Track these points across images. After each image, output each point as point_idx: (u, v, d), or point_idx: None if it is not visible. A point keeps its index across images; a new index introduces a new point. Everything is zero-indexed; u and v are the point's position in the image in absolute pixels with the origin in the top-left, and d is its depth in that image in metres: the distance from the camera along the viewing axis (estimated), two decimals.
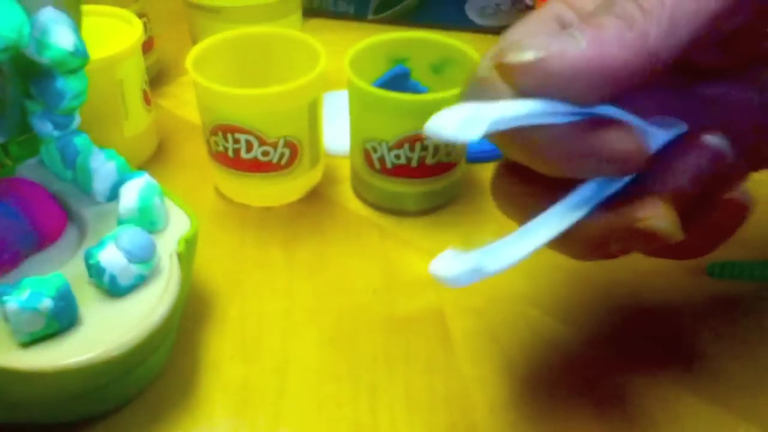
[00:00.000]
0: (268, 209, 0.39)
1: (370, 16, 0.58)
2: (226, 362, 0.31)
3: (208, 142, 0.38)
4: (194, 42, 0.44)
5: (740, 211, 0.24)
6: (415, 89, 0.40)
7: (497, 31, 0.56)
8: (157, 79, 0.49)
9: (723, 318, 0.33)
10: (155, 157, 0.43)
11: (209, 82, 0.35)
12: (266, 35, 0.39)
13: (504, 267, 0.20)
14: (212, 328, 0.32)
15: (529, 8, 0.55)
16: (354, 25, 0.57)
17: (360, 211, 0.39)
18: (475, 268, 0.20)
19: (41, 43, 0.27)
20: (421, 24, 0.57)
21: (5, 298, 0.25)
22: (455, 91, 0.34)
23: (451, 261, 0.20)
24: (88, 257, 0.27)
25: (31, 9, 0.27)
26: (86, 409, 0.28)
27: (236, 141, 0.36)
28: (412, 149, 0.36)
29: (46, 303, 0.25)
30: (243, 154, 0.37)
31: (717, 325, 0.32)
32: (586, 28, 0.20)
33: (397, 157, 0.36)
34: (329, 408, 0.29)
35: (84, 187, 0.32)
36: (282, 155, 0.37)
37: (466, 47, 0.38)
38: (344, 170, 0.42)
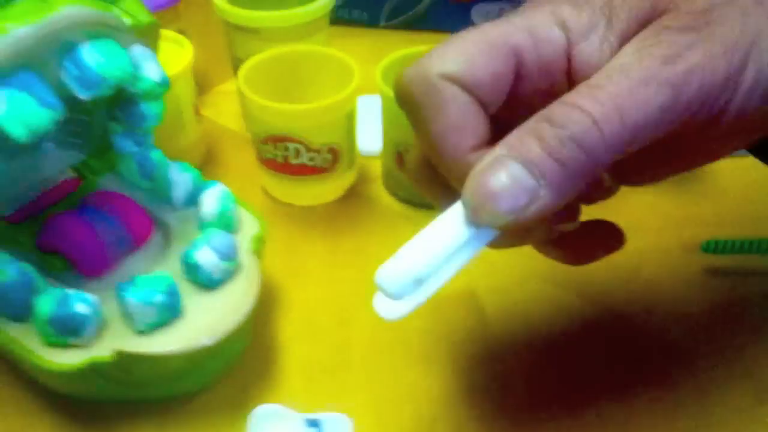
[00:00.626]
0: (311, 207, 0.44)
1: (382, 23, 0.62)
2: (296, 342, 0.36)
3: (258, 150, 0.43)
4: (232, 57, 0.49)
5: (617, 236, 0.29)
6: None
7: None
8: (197, 90, 0.54)
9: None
10: (204, 163, 0.48)
11: (263, 98, 0.40)
12: (306, 52, 0.44)
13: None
14: (279, 313, 0.37)
15: None
16: (368, 31, 0.62)
17: (393, 206, 0.45)
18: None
19: (135, 77, 0.32)
20: (429, 29, 0.61)
21: (125, 294, 0.30)
22: None
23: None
24: (186, 257, 0.32)
25: (125, 47, 0.31)
26: (186, 386, 0.33)
27: (286, 149, 0.41)
28: None
29: (159, 297, 0.30)
30: (291, 160, 0.42)
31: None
32: (547, 184, 0.22)
33: None
34: (388, 376, 0.34)
35: (162, 196, 0.37)
36: (325, 159, 0.42)
37: None
38: (374, 169, 0.47)
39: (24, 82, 0.27)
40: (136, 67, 0.32)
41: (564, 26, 0.25)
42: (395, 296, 0.23)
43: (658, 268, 0.40)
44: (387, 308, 0.24)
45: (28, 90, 0.27)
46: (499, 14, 0.61)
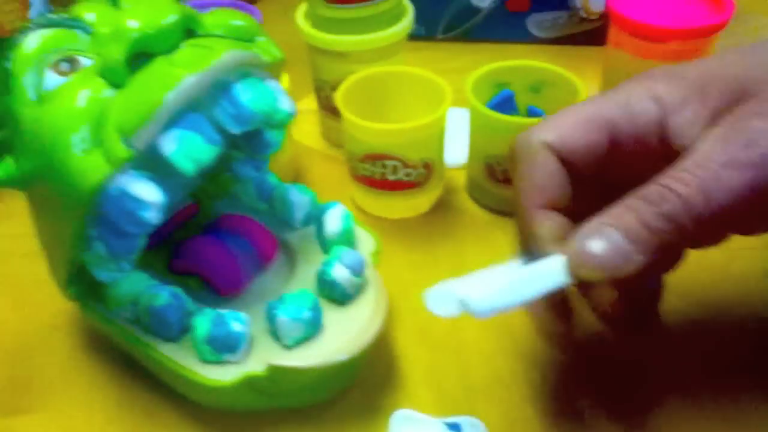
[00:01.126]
0: (404, 220, 0.47)
1: (439, 36, 0.65)
2: (414, 349, 0.38)
3: (353, 167, 0.45)
4: (315, 79, 0.51)
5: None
6: (516, 110, 0.47)
7: (555, 42, 0.64)
8: None
9: None
10: (293, 180, 0.50)
11: (364, 119, 0.42)
12: (398, 73, 0.46)
13: (488, 312, 0.26)
14: (394, 322, 0.40)
15: (584, 20, 0.62)
16: (425, 44, 0.64)
17: (480, 215, 0.47)
18: (459, 304, 0.26)
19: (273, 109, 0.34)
20: (486, 40, 0.64)
21: (276, 311, 0.32)
22: None
23: (439, 295, 0.27)
24: (323, 275, 0.34)
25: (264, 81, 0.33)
26: (322, 395, 0.35)
27: (383, 166, 0.43)
28: None
29: (306, 314, 0.32)
30: (389, 176, 0.44)
31: None
32: (640, 250, 0.26)
33: None
34: (504, 377, 0.36)
35: (282, 217, 0.39)
36: (420, 174, 0.44)
37: (559, 69, 0.46)
38: (456, 180, 0.49)
39: (191, 122, 0.29)
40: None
41: (658, 100, 0.29)
42: (477, 315, 0.26)
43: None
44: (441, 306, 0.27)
45: (195, 128, 0.29)
46: (553, 23, 0.63)
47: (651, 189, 0.26)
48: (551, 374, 0.37)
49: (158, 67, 0.28)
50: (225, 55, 0.29)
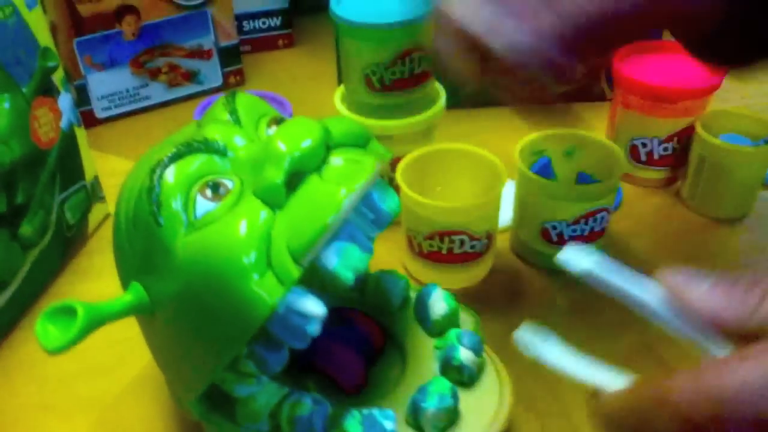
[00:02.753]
0: (463, 289, 0.48)
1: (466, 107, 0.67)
2: (522, 412, 0.40)
3: (416, 245, 0.47)
4: None
5: None
6: (554, 174, 0.51)
7: None
8: None
9: None
10: None
11: (433, 199, 0.44)
12: (452, 151, 0.49)
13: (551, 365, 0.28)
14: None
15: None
16: (451, 113, 0.65)
17: (534, 275, 0.49)
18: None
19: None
20: (483, 106, 0.67)
21: (423, 404, 0.33)
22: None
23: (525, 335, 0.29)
24: (451, 360, 0.35)
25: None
26: None
27: (452, 241, 0.45)
28: (586, 223, 0.46)
29: (449, 402, 0.33)
30: (456, 251, 0.46)
31: None
32: None
33: (574, 230, 0.47)
34: None
35: (377, 303, 0.40)
36: (484, 245, 0.46)
37: (589, 134, 0.50)
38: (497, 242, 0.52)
39: (345, 233, 0.30)
40: None
41: None
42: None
43: None
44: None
45: (351, 239, 0.30)
46: None
47: None
48: None
49: (316, 186, 0.29)
50: (374, 168, 0.30)
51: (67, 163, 0.50)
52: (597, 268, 0.27)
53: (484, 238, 0.46)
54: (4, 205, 0.44)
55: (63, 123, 0.49)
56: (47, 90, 0.47)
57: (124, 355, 0.44)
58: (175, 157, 0.30)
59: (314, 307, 0.29)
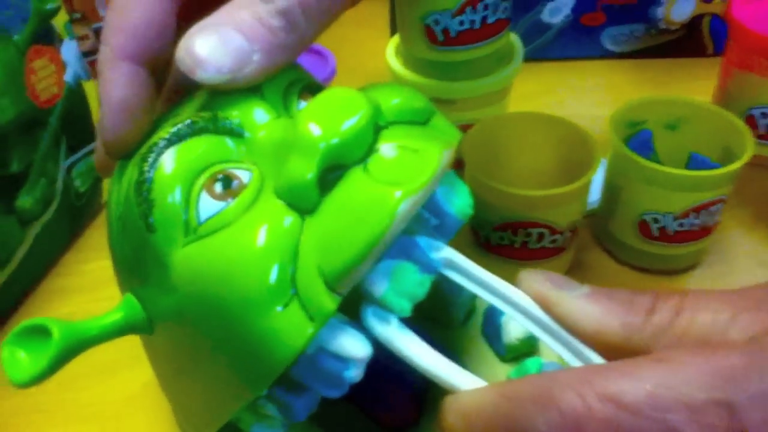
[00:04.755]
0: None
1: None
2: None
3: (482, 236, 0.38)
4: None
5: None
6: (654, 151, 0.41)
7: (631, 56, 0.58)
8: None
9: None
10: None
11: (489, 173, 0.35)
12: (528, 116, 0.40)
13: None
14: None
15: (663, 32, 0.56)
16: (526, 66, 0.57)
17: (629, 274, 0.41)
18: None
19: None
20: (560, 58, 0.58)
21: None
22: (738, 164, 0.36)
23: None
24: None
25: None
26: None
27: (528, 234, 0.37)
28: (697, 216, 0.37)
29: None
30: (531, 245, 0.37)
31: None
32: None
33: (681, 225, 0.38)
34: None
35: (437, 316, 0.32)
36: (566, 239, 0.38)
37: (702, 102, 0.40)
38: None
39: (399, 248, 0.22)
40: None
41: None
42: None
43: None
44: None
45: (405, 256, 0.22)
46: (630, 37, 0.57)
47: None
48: None
49: (360, 185, 0.21)
50: (441, 161, 0.22)
51: (74, 124, 0.42)
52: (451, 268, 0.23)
53: (567, 231, 0.37)
54: None
55: (68, 76, 0.41)
56: (46, 38, 0.39)
57: (133, 355, 0.37)
58: (175, 140, 0.22)
59: (355, 347, 0.22)
